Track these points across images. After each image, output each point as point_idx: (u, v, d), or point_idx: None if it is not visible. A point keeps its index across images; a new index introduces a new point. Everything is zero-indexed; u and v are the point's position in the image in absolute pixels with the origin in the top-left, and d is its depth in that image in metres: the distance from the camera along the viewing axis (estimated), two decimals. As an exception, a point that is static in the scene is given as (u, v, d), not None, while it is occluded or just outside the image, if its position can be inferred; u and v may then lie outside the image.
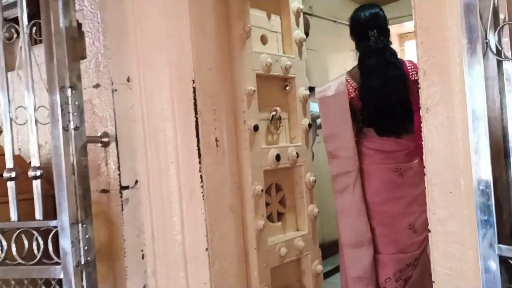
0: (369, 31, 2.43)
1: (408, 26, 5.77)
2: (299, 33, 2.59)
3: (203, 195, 2.07)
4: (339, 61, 4.81)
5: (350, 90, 2.44)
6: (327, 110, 2.50)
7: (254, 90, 2.29)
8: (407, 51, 5.87)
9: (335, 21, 4.81)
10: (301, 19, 2.62)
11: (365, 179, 2.43)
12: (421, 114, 1.48)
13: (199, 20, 2.10)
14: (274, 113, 2.48)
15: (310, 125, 2.60)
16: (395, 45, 5.74)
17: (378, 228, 2.43)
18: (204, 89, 2.10)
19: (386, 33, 2.47)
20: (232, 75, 2.27)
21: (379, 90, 2.36)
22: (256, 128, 2.28)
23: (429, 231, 1.49)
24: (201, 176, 2.07)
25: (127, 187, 2.09)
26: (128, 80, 2.13)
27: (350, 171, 2.43)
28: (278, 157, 2.40)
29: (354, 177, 2.42)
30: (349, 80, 2.47)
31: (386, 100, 2.36)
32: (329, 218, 3.22)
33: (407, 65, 2.44)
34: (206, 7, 2.15)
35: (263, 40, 2.49)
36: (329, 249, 3.54)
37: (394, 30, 5.64)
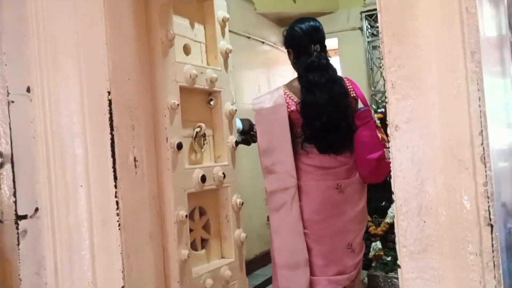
0: (312, 46, 2.30)
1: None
2: (225, 44, 2.40)
3: (119, 224, 1.80)
4: (253, 77, 4.70)
5: (290, 103, 2.29)
6: (265, 122, 2.33)
7: (178, 104, 2.06)
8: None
9: (249, 37, 4.70)
10: (226, 29, 2.43)
11: (302, 196, 2.28)
12: (388, 132, 1.33)
13: (116, 23, 1.84)
14: (198, 129, 2.26)
15: (237, 143, 2.41)
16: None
17: (315, 248, 2.28)
18: (121, 102, 1.84)
19: (325, 48, 2.36)
20: (153, 87, 2.03)
21: (325, 106, 2.24)
22: (179, 146, 2.05)
23: (398, 266, 1.33)
24: (117, 202, 1.80)
25: (24, 217, 1.76)
26: (28, 90, 1.81)
27: (288, 187, 2.27)
28: (203, 178, 2.17)
29: (292, 194, 2.26)
30: (288, 94, 2.32)
31: (331, 117, 2.25)
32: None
33: (346, 82, 2.35)
34: (124, 9, 1.90)
35: (186, 50, 2.27)
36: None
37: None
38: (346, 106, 2.29)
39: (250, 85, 4.47)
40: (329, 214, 2.30)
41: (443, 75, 1.25)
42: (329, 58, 2.33)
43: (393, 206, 3.45)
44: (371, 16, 4.34)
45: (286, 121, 2.27)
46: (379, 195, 2.99)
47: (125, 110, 1.86)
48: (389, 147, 2.28)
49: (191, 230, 2.22)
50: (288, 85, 2.37)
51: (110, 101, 1.79)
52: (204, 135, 2.29)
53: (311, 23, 2.34)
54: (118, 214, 1.80)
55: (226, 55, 2.41)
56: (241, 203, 2.40)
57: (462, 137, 1.20)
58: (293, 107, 2.29)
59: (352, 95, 2.35)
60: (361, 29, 4.44)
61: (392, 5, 1.35)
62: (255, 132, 2.47)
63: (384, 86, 1.37)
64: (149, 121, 2.00)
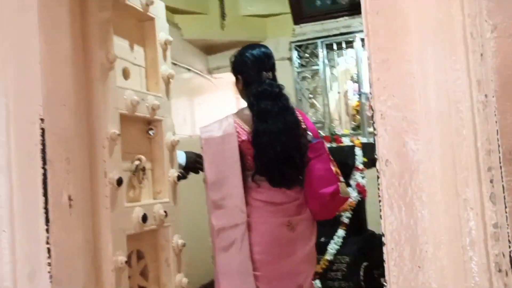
0: (264, 73, 2.19)
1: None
2: (167, 68, 2.20)
3: (50, 276, 1.52)
4: (179, 106, 4.50)
5: (241, 132, 2.14)
6: (213, 153, 2.15)
7: (118, 135, 1.82)
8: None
9: (175, 64, 4.51)
10: (168, 53, 2.24)
11: (252, 235, 2.11)
12: (377, 167, 1.21)
13: (52, 40, 1.60)
14: (137, 162, 2.02)
15: (179, 177, 2.19)
16: (231, 93, 5.68)
17: None
18: (56, 131, 1.58)
19: (275, 76, 2.26)
20: (91, 114, 1.77)
21: (279, 136, 2.10)
22: (119, 182, 1.80)
23: None
24: (48, 249, 1.52)
25: None
26: None
27: (238, 224, 2.09)
28: (144, 218, 1.93)
29: (242, 231, 2.08)
30: (238, 122, 2.16)
31: (286, 146, 2.11)
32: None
33: (296, 113, 2.24)
34: (61, 24, 1.66)
35: (125, 74, 2.05)
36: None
37: (230, 77, 5.57)
38: (299, 136, 2.18)
39: (176, 114, 4.25)
40: (279, 254, 2.15)
41: (443, 105, 1.15)
42: (282, 87, 2.22)
43: (332, 242, 3.37)
44: (300, 47, 4.33)
45: (236, 152, 2.12)
46: (319, 230, 2.90)
47: (60, 141, 1.60)
48: (343, 181, 2.24)
49: (128, 278, 1.95)
50: (238, 114, 2.22)
51: (43, 130, 1.53)
52: (143, 169, 2.06)
53: (262, 49, 2.24)
54: (49, 264, 1.52)
55: (167, 80, 2.20)
56: (182, 244, 2.17)
57: (467, 173, 1.11)
58: (244, 137, 2.14)
59: (302, 126, 2.25)
60: (290, 59, 4.40)
61: (381, 29, 1.25)
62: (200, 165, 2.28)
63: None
64: (86, 153, 1.74)
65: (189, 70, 4.49)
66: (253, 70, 2.22)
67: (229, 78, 5.62)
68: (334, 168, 2.19)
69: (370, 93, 1.26)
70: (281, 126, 2.12)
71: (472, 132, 1.11)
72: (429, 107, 1.18)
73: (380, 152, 1.24)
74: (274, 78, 2.24)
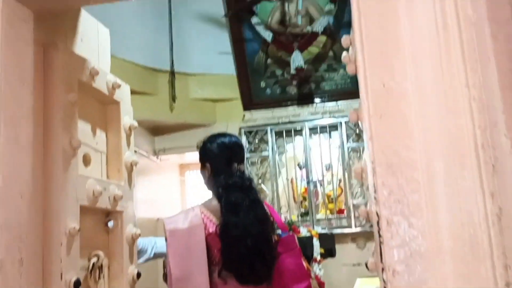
0: (235, 164, 2.12)
1: (189, 157, 5.65)
2: (130, 155, 2.06)
3: None
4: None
5: (208, 224, 2.00)
6: (179, 246, 1.98)
7: (78, 230, 1.63)
8: (187, 181, 5.67)
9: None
10: (132, 139, 2.11)
11: None
12: (384, 277, 1.13)
13: (11, 123, 1.43)
14: (95, 259, 1.81)
15: (139, 275, 1.98)
16: (175, 175, 5.53)
17: None
18: (10, 228, 1.38)
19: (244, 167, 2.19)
20: (49, 206, 1.59)
21: (251, 229, 1.98)
22: (77, 284, 1.59)
23: None
24: None
25: None
26: None
27: None
28: (101, 325, 1.70)
29: None
30: (206, 214, 2.02)
31: (257, 240, 1.99)
32: None
33: (265, 205, 2.15)
34: (22, 106, 1.50)
35: (86, 160, 1.88)
36: None
37: (176, 159, 5.45)
38: (269, 230, 2.08)
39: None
40: None
41: (454, 216, 1.11)
42: (252, 180, 2.14)
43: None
44: (250, 132, 4.33)
45: (203, 245, 1.97)
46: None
47: (14, 239, 1.39)
48: (313, 277, 2.12)
49: None
50: (205, 205, 2.10)
51: (-4, 227, 1.32)
52: (101, 266, 1.84)
53: (233, 139, 2.18)
54: None
55: (130, 168, 2.06)
56: None
57: (481, 282, 1.05)
58: (211, 229, 2.00)
59: (270, 220, 2.15)
60: (239, 144, 4.39)
61: (385, 133, 1.21)
62: None
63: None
64: (40, 251, 1.54)
65: (135, 151, 4.32)
66: (223, 160, 2.13)
67: (175, 160, 5.51)
68: (305, 263, 2.09)
69: (375, 198, 1.20)
70: (252, 219, 2.02)
71: (488, 245, 1.07)
72: (438, 217, 1.13)
73: (387, 261, 1.16)
74: (244, 170, 2.17)
